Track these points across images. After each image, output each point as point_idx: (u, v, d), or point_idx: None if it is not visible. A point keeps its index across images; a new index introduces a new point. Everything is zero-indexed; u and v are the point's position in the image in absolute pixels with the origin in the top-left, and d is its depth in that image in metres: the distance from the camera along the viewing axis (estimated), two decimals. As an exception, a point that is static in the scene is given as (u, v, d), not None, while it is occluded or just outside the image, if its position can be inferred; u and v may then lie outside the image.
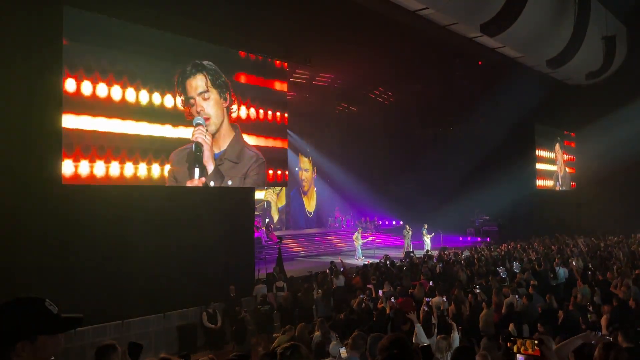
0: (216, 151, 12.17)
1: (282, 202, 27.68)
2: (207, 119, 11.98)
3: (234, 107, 12.69)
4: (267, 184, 16.41)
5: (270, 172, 13.95)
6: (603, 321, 7.38)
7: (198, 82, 11.90)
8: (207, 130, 11.96)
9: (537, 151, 26.41)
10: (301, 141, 27.23)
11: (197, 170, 11.66)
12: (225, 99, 12.42)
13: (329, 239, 25.40)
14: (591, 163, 27.57)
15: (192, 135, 11.69)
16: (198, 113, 11.81)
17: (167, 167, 11.19)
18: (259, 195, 24.43)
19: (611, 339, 5.11)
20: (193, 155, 11.63)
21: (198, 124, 11.79)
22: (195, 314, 11.42)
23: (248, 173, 12.94)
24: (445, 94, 23.70)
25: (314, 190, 29.14)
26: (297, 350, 3.31)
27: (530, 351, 3.12)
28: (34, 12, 9.35)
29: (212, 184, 12.03)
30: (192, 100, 11.72)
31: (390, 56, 18.94)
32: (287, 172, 14.81)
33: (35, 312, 1.96)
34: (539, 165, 26.67)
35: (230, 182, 12.44)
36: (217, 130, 12.26)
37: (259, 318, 11.22)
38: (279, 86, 14.53)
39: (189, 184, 11.60)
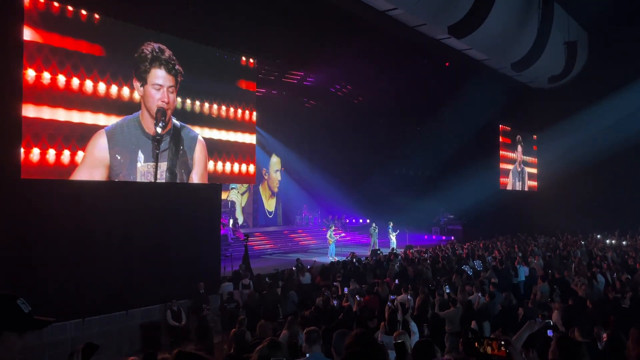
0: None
1: (245, 201, 27.30)
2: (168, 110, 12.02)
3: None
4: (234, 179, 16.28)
5: (236, 166, 13.93)
6: (554, 317, 7.62)
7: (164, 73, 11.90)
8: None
9: (500, 152, 27.04)
10: (271, 139, 26.98)
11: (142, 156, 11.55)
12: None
13: (296, 237, 25.38)
14: (552, 164, 28.35)
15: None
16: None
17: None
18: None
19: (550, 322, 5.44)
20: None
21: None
22: (160, 312, 11.24)
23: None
24: (412, 93, 23.96)
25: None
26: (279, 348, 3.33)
27: (496, 351, 3.12)
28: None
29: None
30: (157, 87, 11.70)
31: (359, 55, 19.02)
32: (252, 167, 14.70)
33: (4, 308, 1.94)
34: (503, 166, 27.31)
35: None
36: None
37: (224, 316, 11.12)
38: (246, 84, 14.50)
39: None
